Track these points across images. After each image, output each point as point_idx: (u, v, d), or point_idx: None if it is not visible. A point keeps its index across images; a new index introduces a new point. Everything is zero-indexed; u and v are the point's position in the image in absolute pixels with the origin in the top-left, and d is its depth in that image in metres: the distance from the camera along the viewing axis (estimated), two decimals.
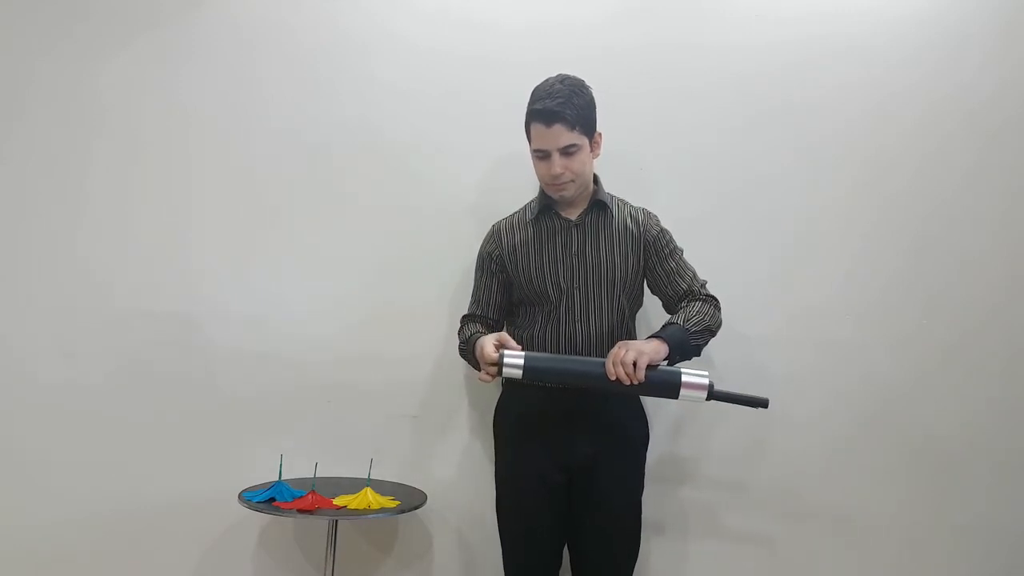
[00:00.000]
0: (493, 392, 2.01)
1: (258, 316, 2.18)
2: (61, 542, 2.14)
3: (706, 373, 1.74)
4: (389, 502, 1.90)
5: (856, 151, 2.18)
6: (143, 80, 2.21)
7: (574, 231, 1.91)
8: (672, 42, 2.20)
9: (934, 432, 2.15)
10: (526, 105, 1.85)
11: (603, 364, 1.71)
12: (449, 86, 2.20)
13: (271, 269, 2.19)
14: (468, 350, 1.90)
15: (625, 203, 1.98)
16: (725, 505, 2.17)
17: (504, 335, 1.80)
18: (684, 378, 1.72)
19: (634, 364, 1.67)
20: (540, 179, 1.90)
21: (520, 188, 2.05)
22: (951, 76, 2.18)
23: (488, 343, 1.77)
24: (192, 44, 2.22)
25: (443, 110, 2.20)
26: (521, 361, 1.73)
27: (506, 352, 1.74)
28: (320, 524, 2.02)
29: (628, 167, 2.13)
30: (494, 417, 2.00)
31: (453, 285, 2.15)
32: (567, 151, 1.82)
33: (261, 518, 2.12)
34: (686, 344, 1.79)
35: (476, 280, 2.01)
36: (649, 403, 2.02)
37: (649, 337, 1.78)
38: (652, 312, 2.04)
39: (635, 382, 1.68)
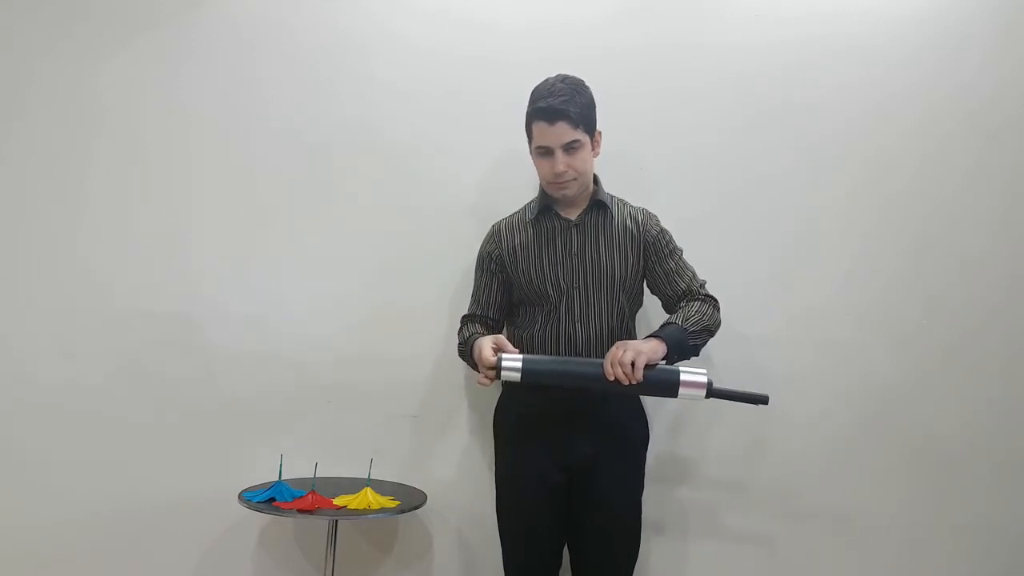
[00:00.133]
0: (493, 392, 2.01)
1: (258, 316, 2.18)
2: (61, 542, 2.14)
3: (704, 371, 1.74)
4: (389, 502, 1.90)
5: (856, 151, 2.18)
6: (143, 80, 2.21)
7: (574, 231, 1.91)
8: (672, 42, 2.20)
9: (934, 432, 2.15)
10: (526, 105, 1.85)
11: (601, 365, 1.71)
12: (449, 86, 2.20)
13: (271, 269, 2.19)
14: (467, 351, 1.90)
15: (625, 203, 1.98)
16: (725, 505, 2.17)
17: (501, 338, 1.80)
18: (683, 376, 1.72)
19: (632, 364, 1.67)
20: (542, 178, 1.90)
21: (520, 188, 2.05)
22: (951, 76, 2.18)
23: (486, 346, 1.77)
24: (192, 44, 2.22)
25: (443, 110, 2.20)
26: (519, 364, 1.73)
27: (504, 356, 1.74)
28: (320, 524, 2.02)
29: (628, 167, 2.13)
30: (494, 417, 2.00)
31: (453, 285, 2.15)
32: (570, 147, 1.82)
33: (261, 518, 2.12)
34: (684, 344, 1.79)
35: (476, 280, 2.01)
36: (649, 403, 2.03)
37: (647, 337, 1.78)
38: (652, 312, 2.04)
39: (633, 382, 1.68)
